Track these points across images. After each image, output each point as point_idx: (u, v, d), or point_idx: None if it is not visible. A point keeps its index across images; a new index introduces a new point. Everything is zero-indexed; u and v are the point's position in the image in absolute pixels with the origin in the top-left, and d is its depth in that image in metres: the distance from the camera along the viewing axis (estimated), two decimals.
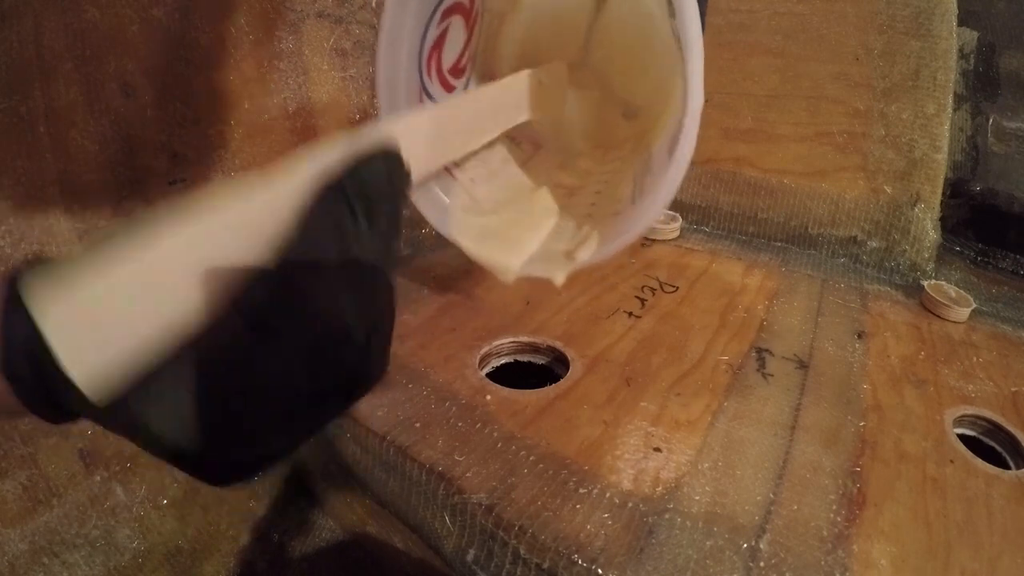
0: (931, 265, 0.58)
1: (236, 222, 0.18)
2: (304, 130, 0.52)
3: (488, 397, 0.37)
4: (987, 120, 0.56)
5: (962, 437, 0.37)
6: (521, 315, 0.47)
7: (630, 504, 0.29)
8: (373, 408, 0.36)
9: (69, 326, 0.15)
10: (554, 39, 0.47)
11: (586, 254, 0.35)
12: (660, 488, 0.31)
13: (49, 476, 0.35)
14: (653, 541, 0.27)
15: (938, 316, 0.51)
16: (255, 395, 0.17)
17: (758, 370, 0.42)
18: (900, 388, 0.41)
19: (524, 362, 0.44)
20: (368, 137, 0.20)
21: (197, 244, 0.17)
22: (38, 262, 0.16)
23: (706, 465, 0.32)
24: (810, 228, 0.62)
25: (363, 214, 0.18)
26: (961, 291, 0.53)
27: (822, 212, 0.61)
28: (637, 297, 0.51)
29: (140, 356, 0.16)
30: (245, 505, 0.45)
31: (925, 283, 0.54)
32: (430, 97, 0.41)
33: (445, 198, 0.41)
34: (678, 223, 0.67)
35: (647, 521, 0.29)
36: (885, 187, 0.57)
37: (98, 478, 0.37)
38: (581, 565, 0.26)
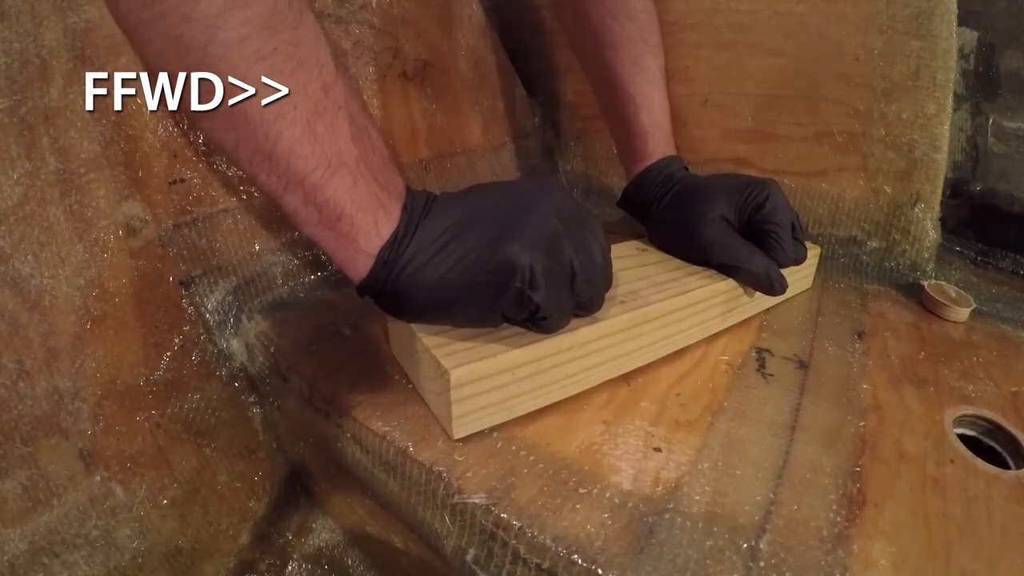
0: (931, 265, 0.58)
1: None
2: None
3: None
4: (987, 120, 0.56)
5: (962, 437, 0.37)
6: None
7: (630, 504, 0.29)
8: (373, 408, 0.36)
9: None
10: None
11: None
12: (660, 488, 0.31)
13: (49, 476, 0.35)
14: (653, 541, 0.27)
15: (938, 316, 0.51)
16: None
17: (758, 370, 0.42)
18: (900, 388, 0.41)
19: None
20: None
21: None
22: None
23: (706, 465, 0.32)
24: (810, 228, 0.62)
25: None
26: (961, 291, 0.53)
27: (822, 212, 0.61)
28: None
29: None
30: (245, 505, 0.45)
31: (925, 283, 0.54)
32: None
33: None
34: None
35: (647, 521, 0.29)
36: (885, 187, 0.57)
37: (98, 478, 0.37)
38: (581, 565, 0.26)
